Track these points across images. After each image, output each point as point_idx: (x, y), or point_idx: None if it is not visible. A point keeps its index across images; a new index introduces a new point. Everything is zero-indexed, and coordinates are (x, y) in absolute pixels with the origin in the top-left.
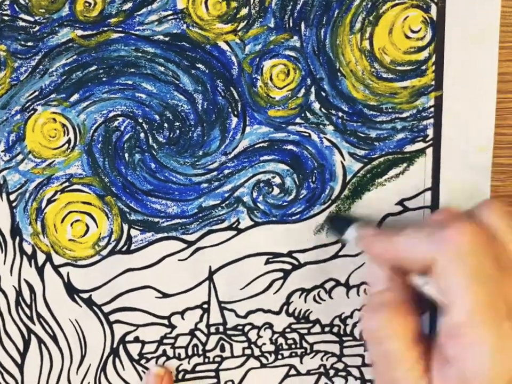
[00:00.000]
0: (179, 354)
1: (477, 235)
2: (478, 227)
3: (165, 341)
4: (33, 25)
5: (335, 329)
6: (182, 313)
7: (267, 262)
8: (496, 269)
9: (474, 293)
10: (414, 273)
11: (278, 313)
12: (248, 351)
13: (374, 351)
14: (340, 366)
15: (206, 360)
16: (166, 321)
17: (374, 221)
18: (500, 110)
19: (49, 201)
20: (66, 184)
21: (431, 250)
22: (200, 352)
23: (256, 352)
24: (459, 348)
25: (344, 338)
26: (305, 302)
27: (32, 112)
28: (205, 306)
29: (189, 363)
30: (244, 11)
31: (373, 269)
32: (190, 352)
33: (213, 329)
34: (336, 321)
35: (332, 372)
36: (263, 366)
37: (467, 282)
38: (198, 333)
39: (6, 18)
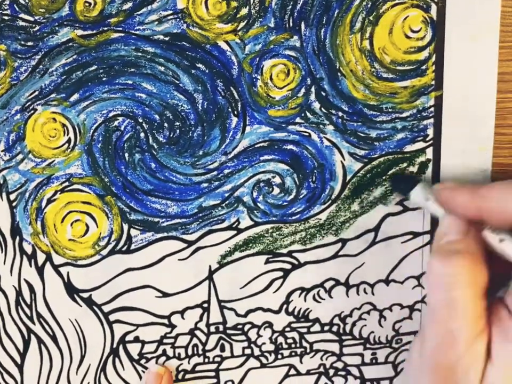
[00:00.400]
0: (179, 354)
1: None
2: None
3: (165, 340)
4: (33, 25)
5: (335, 328)
6: (182, 312)
7: (267, 262)
8: None
9: None
10: (491, 228)
11: (277, 312)
12: (248, 351)
13: (438, 297)
14: (340, 365)
15: (206, 360)
16: (166, 321)
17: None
18: (499, 110)
19: (49, 201)
20: (66, 184)
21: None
22: (200, 352)
23: (256, 351)
24: None
25: (344, 337)
26: (305, 301)
27: (32, 112)
28: (205, 305)
29: (189, 363)
30: (244, 11)
31: (449, 220)
32: (190, 352)
33: (212, 329)
34: (336, 320)
35: (331, 372)
36: (263, 365)
37: None
38: (198, 332)
39: (6, 18)
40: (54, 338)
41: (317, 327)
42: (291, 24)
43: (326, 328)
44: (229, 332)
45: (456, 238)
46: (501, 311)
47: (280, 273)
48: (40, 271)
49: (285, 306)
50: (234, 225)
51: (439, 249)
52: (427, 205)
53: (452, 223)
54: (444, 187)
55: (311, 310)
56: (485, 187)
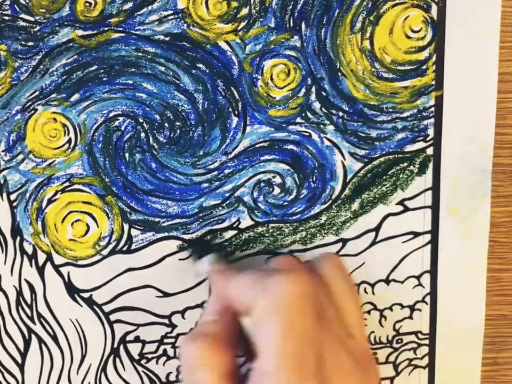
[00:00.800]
0: (180, 354)
1: (299, 288)
2: (305, 280)
3: (166, 340)
4: (34, 25)
5: None
6: (182, 312)
7: (267, 261)
8: (312, 326)
9: (281, 346)
10: (240, 314)
11: None
12: None
13: (187, 379)
14: None
15: None
16: (166, 321)
17: (232, 256)
18: (500, 110)
19: (50, 201)
20: (67, 184)
21: (251, 297)
22: None
23: None
24: None
25: None
26: None
27: (32, 112)
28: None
29: None
30: (245, 11)
31: (210, 301)
32: None
33: None
34: None
35: None
36: None
37: (275, 334)
38: None
39: (6, 18)
40: (54, 338)
41: None
42: (291, 24)
43: None
44: None
45: (209, 319)
46: None
47: None
48: (40, 271)
49: None
50: (234, 225)
51: (192, 330)
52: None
53: (211, 303)
54: (214, 269)
55: None
56: (233, 275)
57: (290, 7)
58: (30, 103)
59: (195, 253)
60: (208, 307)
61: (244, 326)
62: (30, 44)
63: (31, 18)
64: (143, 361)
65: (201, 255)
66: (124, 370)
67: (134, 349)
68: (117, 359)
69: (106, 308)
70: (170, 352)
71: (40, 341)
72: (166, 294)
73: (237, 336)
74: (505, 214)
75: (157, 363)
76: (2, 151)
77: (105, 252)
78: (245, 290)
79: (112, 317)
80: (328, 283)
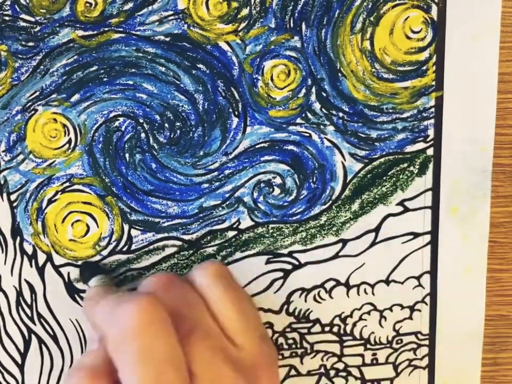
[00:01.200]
0: None
1: (146, 315)
2: (152, 305)
3: None
4: (34, 26)
5: (335, 329)
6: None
7: (267, 262)
8: (170, 344)
9: (139, 373)
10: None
11: (278, 312)
12: None
13: None
14: (340, 366)
15: None
16: None
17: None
18: (500, 110)
19: (50, 201)
20: (67, 184)
21: (106, 325)
22: None
23: None
24: None
25: (344, 338)
26: (306, 301)
27: (33, 112)
28: None
29: None
30: (245, 11)
31: (87, 327)
32: None
33: None
34: (336, 321)
35: (332, 372)
36: None
37: (130, 363)
38: None
39: (7, 18)
40: (54, 338)
41: (317, 328)
42: (292, 24)
43: (327, 328)
44: None
45: (90, 349)
46: None
47: (281, 274)
48: (40, 271)
49: (285, 306)
50: (234, 226)
51: (74, 362)
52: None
53: (87, 330)
54: (87, 295)
55: (311, 311)
56: (101, 299)
57: (291, 7)
58: (30, 103)
59: (83, 275)
60: (88, 334)
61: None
62: (31, 44)
63: (32, 19)
64: None
65: (89, 276)
66: None
67: None
68: None
69: None
70: None
71: (40, 341)
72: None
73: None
74: (505, 214)
75: None
76: (3, 152)
77: (105, 252)
78: (103, 317)
79: None
80: (204, 294)
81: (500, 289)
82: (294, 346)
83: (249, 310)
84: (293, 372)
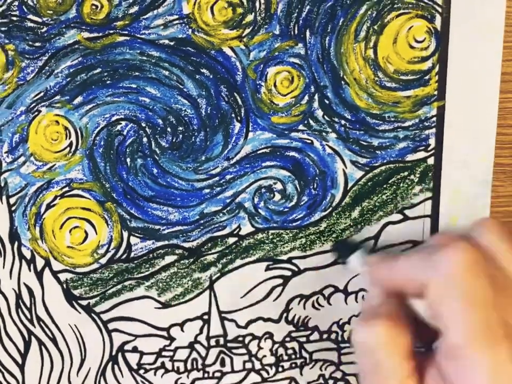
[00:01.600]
0: (178, 367)
1: (470, 256)
2: (472, 248)
3: (164, 353)
4: (41, 26)
5: (333, 336)
6: (181, 325)
7: (267, 269)
8: (491, 290)
9: (468, 317)
10: (411, 296)
11: (277, 321)
12: (248, 365)
13: (365, 362)
14: (338, 374)
15: (206, 375)
16: (165, 333)
17: (378, 247)
18: (500, 110)
19: (49, 206)
20: (66, 189)
21: (423, 275)
22: (200, 367)
23: (257, 365)
24: (457, 370)
25: (342, 345)
26: (304, 308)
27: (36, 113)
28: (205, 317)
29: (188, 377)
30: (250, 17)
31: (370, 293)
32: (189, 366)
33: (213, 342)
34: (334, 328)
35: (331, 382)
36: (264, 380)
37: (459, 306)
38: (197, 346)
39: (14, 18)
40: (54, 341)
41: (315, 336)
42: (296, 31)
43: (325, 336)
44: (229, 345)
45: (377, 303)
46: (435, 374)
47: (280, 281)
48: (39, 276)
49: (284, 314)
50: (235, 232)
51: (361, 316)
52: (362, 273)
53: (375, 292)
54: (371, 261)
55: (310, 318)
56: (393, 260)
57: (295, 14)
58: (34, 104)
59: (342, 254)
60: (369, 298)
61: (415, 309)
62: (37, 44)
63: (39, 19)
64: (141, 371)
65: (348, 253)
66: (123, 377)
67: (132, 358)
68: (116, 367)
69: (105, 317)
70: (169, 365)
71: (40, 343)
72: (165, 305)
73: (409, 319)
74: (505, 214)
75: (155, 375)
76: (5, 153)
77: (103, 260)
78: (414, 272)
79: (110, 326)
80: (492, 252)
81: None
82: (293, 356)
83: None
84: None
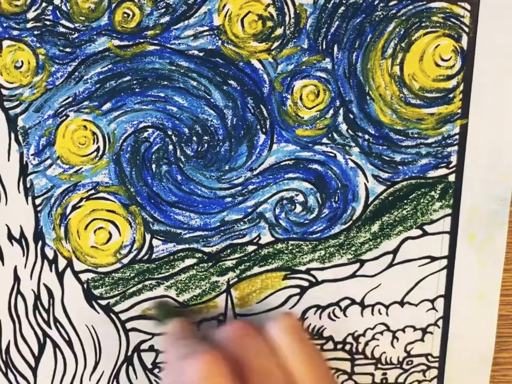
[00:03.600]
0: None
1: (214, 366)
2: (215, 360)
3: None
4: (73, 32)
5: (347, 347)
6: (198, 324)
7: (285, 278)
8: None
9: None
10: None
11: None
12: None
13: None
14: None
15: None
16: None
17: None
18: None
19: (74, 208)
20: (92, 191)
21: (172, 376)
22: None
23: None
24: None
25: (356, 356)
26: (320, 318)
27: (64, 118)
28: (221, 318)
29: None
30: (279, 31)
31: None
32: None
33: None
34: (349, 339)
35: None
36: None
37: None
38: None
39: (47, 23)
40: (69, 343)
41: (330, 345)
42: (324, 46)
43: (339, 346)
44: None
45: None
46: None
47: (297, 290)
48: (60, 276)
49: (300, 323)
50: (255, 241)
51: None
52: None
53: None
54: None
55: (325, 328)
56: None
57: (324, 29)
58: (62, 108)
59: (158, 316)
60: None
61: None
62: (68, 50)
63: (71, 25)
64: (155, 371)
65: (162, 318)
66: (136, 378)
67: (148, 357)
68: (130, 367)
69: (123, 316)
70: None
71: (55, 345)
72: (183, 305)
73: None
74: None
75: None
76: (32, 155)
77: (125, 261)
78: (170, 367)
79: (128, 325)
80: (275, 345)
81: (500, 289)
82: None
83: (320, 364)
84: None
